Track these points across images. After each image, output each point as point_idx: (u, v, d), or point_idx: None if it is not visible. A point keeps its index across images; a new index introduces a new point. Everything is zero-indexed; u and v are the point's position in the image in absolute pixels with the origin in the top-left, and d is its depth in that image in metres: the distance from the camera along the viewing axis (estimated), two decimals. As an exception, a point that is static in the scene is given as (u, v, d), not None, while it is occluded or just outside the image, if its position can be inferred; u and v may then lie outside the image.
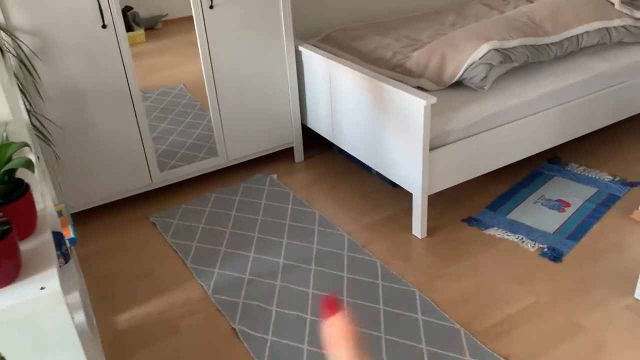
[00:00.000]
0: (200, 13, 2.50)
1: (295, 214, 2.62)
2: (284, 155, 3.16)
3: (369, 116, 2.48)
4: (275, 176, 2.96)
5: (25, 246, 1.13)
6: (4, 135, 1.39)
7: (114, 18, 2.30)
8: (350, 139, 2.69)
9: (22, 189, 1.15)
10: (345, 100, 2.62)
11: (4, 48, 2.01)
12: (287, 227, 2.53)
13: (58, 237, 1.66)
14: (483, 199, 2.65)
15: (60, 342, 1.06)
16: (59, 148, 2.39)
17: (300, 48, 2.83)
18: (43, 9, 2.15)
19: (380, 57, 2.83)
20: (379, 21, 3.41)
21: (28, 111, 2.25)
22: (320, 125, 2.92)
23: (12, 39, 2.12)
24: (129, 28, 4.11)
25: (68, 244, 1.75)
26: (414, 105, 2.17)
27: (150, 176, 2.69)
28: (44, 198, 1.62)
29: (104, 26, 2.30)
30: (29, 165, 1.15)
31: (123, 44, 2.37)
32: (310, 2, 3.25)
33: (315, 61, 2.76)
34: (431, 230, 2.46)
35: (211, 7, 2.51)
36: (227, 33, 2.60)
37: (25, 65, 2.18)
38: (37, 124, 2.28)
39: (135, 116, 2.53)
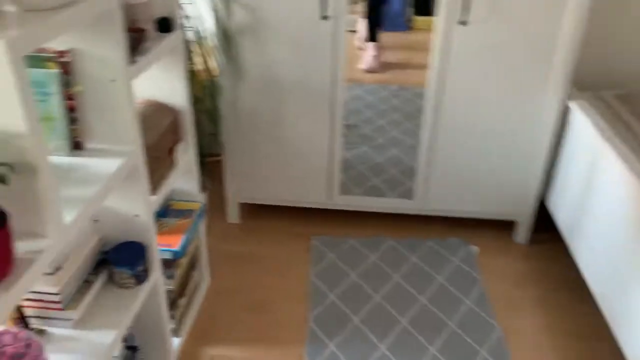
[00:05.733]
0: (444, 27, 1.91)
1: (468, 316, 1.93)
2: (503, 226, 2.41)
3: (625, 245, 1.60)
4: (476, 250, 2.27)
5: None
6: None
7: (337, 10, 1.91)
8: (590, 256, 1.83)
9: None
10: (603, 202, 1.76)
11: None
12: (448, 331, 1.87)
13: (136, 250, 1.41)
14: None
15: None
16: (244, 133, 2.18)
17: (571, 104, 2.01)
18: (266, -16, 1.88)
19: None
20: None
21: (215, 90, 2.06)
22: (561, 214, 2.09)
23: (227, 9, 1.92)
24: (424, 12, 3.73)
25: (159, 256, 1.50)
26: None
27: (331, 195, 2.30)
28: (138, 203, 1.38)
29: (324, 17, 1.92)
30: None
31: (340, 41, 1.97)
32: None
33: (583, 129, 1.92)
34: None
35: (463, 23, 1.90)
36: (473, 59, 1.96)
37: (230, 39, 1.97)
38: (225, 108, 2.09)
39: (330, 124, 2.14)
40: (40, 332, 1.26)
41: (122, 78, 1.20)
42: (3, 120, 0.88)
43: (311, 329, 1.87)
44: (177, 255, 1.62)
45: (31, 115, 0.89)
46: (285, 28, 1.95)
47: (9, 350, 1.06)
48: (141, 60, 1.30)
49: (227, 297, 2.01)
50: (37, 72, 1.15)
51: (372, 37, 3.19)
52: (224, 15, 1.93)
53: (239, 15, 1.94)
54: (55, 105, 1.18)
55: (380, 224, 2.42)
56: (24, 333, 1.10)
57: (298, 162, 2.23)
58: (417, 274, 2.12)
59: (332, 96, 2.07)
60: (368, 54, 3.33)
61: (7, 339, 1.08)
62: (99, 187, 1.15)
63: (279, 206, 2.49)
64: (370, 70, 3.39)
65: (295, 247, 2.28)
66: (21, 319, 1.24)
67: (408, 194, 2.32)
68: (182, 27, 1.58)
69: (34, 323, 1.26)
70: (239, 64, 2.02)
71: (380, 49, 3.37)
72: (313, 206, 2.34)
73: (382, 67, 3.45)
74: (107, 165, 1.22)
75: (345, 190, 2.35)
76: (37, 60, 1.15)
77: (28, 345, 1.08)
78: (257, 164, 2.24)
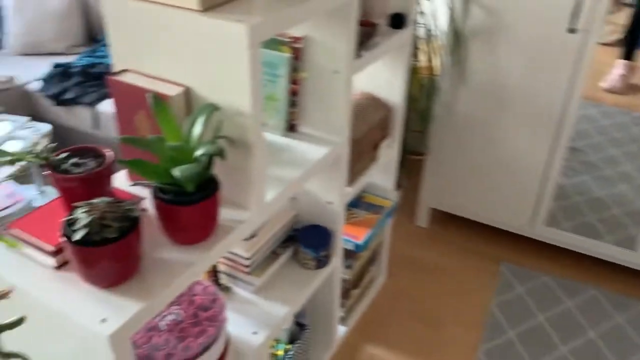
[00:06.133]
0: None
1: (675, 409, 1.59)
2: None
3: None
4: None
5: (170, 254, 0.95)
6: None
7: (590, 24, 1.67)
8: None
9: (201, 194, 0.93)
10: None
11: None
12: (642, 416, 1.57)
13: (323, 235, 1.44)
14: None
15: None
16: (453, 138, 2.08)
17: None
18: (512, -14, 1.73)
19: None
20: None
21: (430, 92, 1.99)
22: None
23: (464, 9, 1.82)
24: None
25: (342, 245, 1.52)
26: None
27: (534, 223, 2.09)
28: (333, 192, 1.41)
29: (572, 30, 1.71)
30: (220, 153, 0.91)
31: (586, 57, 1.73)
32: None
33: None
34: None
35: None
36: None
37: (461, 40, 1.87)
38: (439, 109, 2.01)
39: (552, 143, 1.92)
40: (227, 288, 1.37)
41: (346, 71, 1.21)
42: (232, 98, 0.95)
43: (479, 360, 1.74)
44: (359, 248, 1.63)
45: (257, 98, 0.94)
46: (523, 36, 1.78)
47: (198, 299, 1.17)
48: (367, 55, 1.30)
49: (399, 301, 1.98)
50: (271, 54, 1.23)
51: (627, 54, 2.78)
52: (460, 15, 1.84)
53: (476, 17, 1.83)
54: (282, 87, 1.25)
55: (585, 266, 2.13)
56: (212, 288, 1.20)
57: (505, 179, 2.06)
58: (619, 337, 1.82)
59: (562, 114, 1.85)
60: (615, 72, 2.92)
61: (198, 289, 1.20)
62: (303, 171, 1.19)
63: (471, 220, 2.36)
64: (612, 91, 2.98)
65: (480, 267, 2.13)
66: (214, 273, 1.36)
67: (630, 243, 1.99)
68: (415, 23, 1.54)
69: (223, 279, 1.38)
70: (464, 67, 1.92)
71: (631, 68, 2.92)
72: (510, 230, 2.15)
73: (628, 89, 3.00)
74: (315, 151, 1.26)
75: (551, 220, 2.10)
76: (273, 42, 1.23)
77: (213, 301, 1.18)
78: (459, 171, 2.13)
